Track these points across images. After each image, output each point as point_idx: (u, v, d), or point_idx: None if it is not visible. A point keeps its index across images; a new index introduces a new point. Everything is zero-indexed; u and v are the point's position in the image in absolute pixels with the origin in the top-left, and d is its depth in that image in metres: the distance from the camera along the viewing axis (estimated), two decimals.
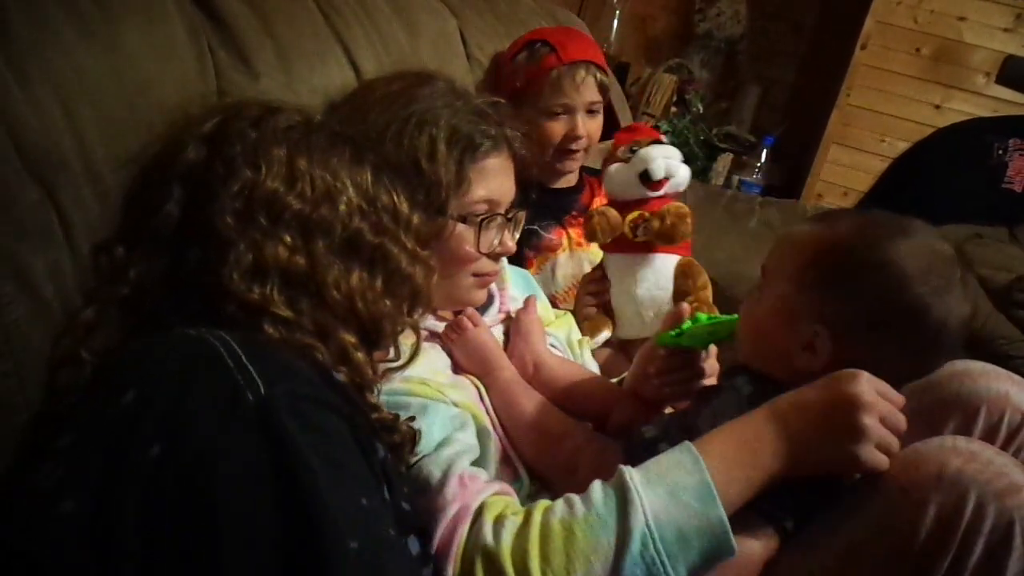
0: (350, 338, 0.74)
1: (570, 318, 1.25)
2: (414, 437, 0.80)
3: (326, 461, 0.58)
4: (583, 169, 1.60)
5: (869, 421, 0.73)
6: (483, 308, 1.06)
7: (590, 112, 1.46)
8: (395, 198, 0.80)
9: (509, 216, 0.99)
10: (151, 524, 0.54)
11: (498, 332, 1.06)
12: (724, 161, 3.03)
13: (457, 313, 1.02)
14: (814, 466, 0.75)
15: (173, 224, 0.72)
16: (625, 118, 2.02)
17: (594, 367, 1.19)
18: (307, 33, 1.15)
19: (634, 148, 1.28)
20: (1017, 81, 2.87)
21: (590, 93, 1.44)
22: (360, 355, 0.74)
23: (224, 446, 0.56)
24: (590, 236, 1.31)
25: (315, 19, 1.18)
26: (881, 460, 0.73)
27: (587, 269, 1.46)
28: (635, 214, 1.25)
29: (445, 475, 0.79)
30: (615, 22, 2.97)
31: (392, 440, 0.76)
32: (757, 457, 0.74)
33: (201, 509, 0.54)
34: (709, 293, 1.26)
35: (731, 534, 0.70)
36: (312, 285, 0.72)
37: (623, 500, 0.71)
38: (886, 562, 0.71)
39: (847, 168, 3.05)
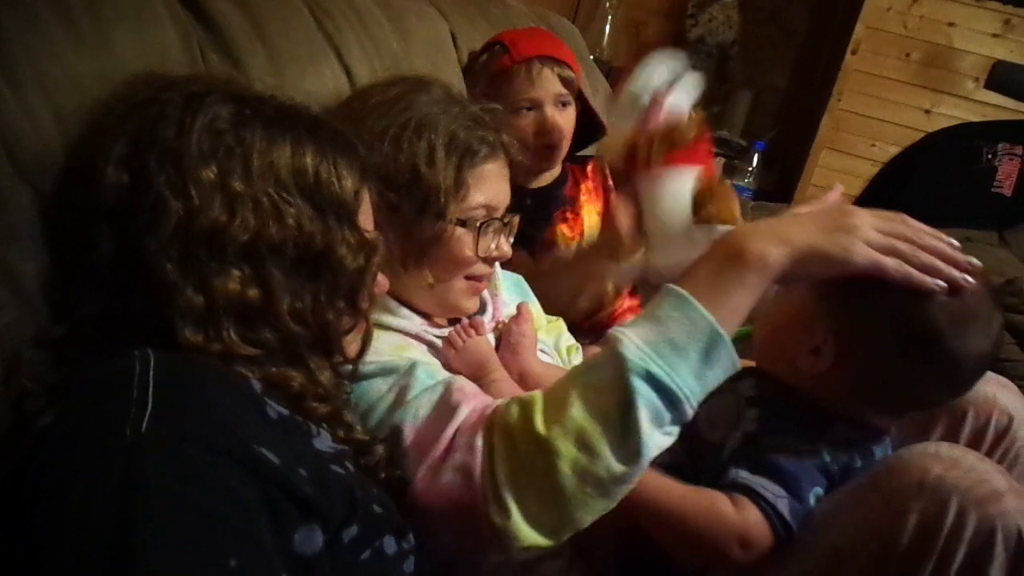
0: (318, 359, 0.72)
1: (561, 324, 1.25)
2: (390, 459, 0.79)
3: (187, 511, 0.52)
4: (564, 158, 1.54)
5: (859, 221, 0.76)
6: (476, 316, 1.05)
7: (559, 105, 1.42)
8: (336, 180, 0.72)
9: (505, 221, 1.00)
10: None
11: (490, 340, 1.05)
12: (716, 165, 3.04)
13: (453, 321, 1.03)
14: (806, 262, 0.74)
15: (108, 263, 0.66)
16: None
17: None
18: (299, 37, 1.15)
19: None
20: (1006, 86, 2.89)
21: (552, 85, 1.40)
22: (327, 374, 0.72)
23: (77, 482, 0.53)
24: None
25: (307, 23, 1.18)
26: (876, 257, 0.74)
27: None
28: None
29: (448, 388, 0.84)
30: (607, 27, 2.98)
31: (367, 462, 0.75)
32: (735, 264, 0.75)
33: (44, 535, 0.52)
34: (732, 206, 1.12)
35: (717, 325, 0.72)
36: (269, 316, 0.68)
37: (613, 342, 0.74)
38: (868, 570, 0.72)
39: (838, 172, 3.06)
